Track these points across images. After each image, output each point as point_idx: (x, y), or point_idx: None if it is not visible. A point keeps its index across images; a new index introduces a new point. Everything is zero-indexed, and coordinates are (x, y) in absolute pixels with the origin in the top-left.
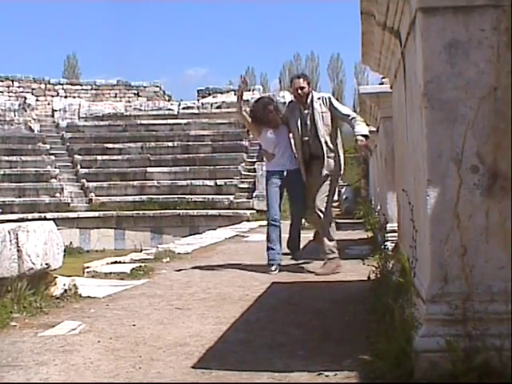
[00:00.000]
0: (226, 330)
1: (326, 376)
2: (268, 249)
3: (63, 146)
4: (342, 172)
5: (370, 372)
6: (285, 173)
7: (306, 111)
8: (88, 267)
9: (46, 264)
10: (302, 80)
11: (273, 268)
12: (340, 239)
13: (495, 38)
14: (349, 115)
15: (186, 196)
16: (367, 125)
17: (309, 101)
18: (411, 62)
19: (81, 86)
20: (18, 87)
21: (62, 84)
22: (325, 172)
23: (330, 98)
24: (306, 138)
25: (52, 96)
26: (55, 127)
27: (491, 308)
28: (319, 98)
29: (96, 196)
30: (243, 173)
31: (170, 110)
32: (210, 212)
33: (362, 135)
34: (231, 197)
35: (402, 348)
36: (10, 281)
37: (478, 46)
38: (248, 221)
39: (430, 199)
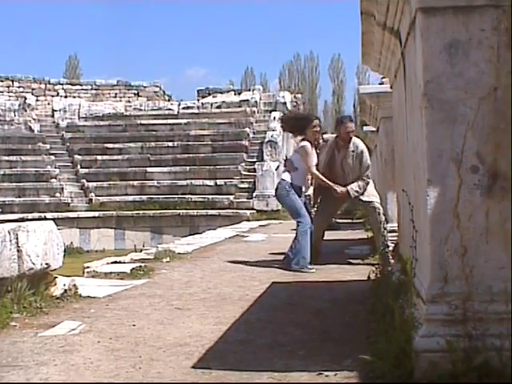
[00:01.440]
0: (226, 330)
1: (326, 376)
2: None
3: (63, 146)
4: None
5: (370, 372)
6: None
7: (342, 152)
8: (88, 267)
9: (46, 264)
10: (353, 125)
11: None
12: (340, 239)
13: (495, 38)
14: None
15: (186, 196)
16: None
17: (350, 145)
18: (411, 62)
19: (81, 85)
20: (18, 87)
21: (62, 84)
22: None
23: (362, 152)
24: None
25: (52, 96)
26: (55, 127)
27: (491, 308)
28: (356, 148)
29: (96, 196)
30: (243, 173)
31: (170, 109)
32: (210, 212)
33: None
34: (231, 197)
35: (402, 348)
36: (9, 281)
37: (478, 46)
38: (248, 221)
39: (429, 199)
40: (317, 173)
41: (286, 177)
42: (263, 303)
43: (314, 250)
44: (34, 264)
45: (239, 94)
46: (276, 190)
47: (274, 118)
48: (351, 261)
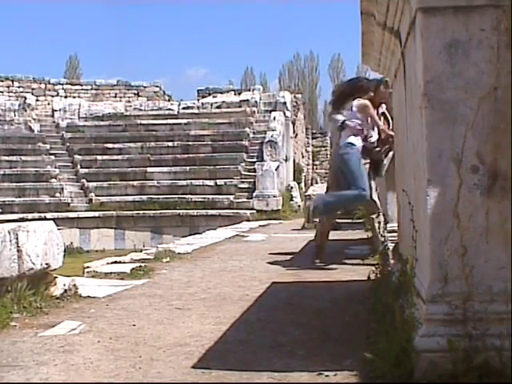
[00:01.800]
0: (225, 330)
1: (326, 376)
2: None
3: (63, 146)
4: None
5: (370, 372)
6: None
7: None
8: (88, 267)
9: (46, 264)
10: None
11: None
12: (340, 239)
13: (495, 38)
14: None
15: (186, 196)
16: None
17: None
18: (411, 62)
19: (81, 85)
20: (18, 87)
21: (62, 84)
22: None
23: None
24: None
25: (52, 96)
26: (55, 127)
27: (491, 308)
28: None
29: (96, 196)
30: (243, 173)
31: (170, 109)
32: (210, 212)
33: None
34: (231, 197)
35: (402, 348)
36: (10, 281)
37: (478, 45)
38: (248, 221)
39: (429, 199)
40: (380, 122)
41: (353, 139)
42: (263, 303)
43: (319, 247)
44: (34, 264)
45: (239, 94)
46: (339, 155)
47: (274, 117)
48: (351, 261)
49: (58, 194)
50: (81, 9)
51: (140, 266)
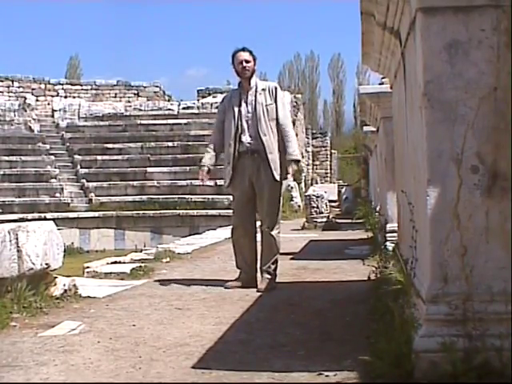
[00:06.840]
0: (225, 330)
1: (326, 376)
2: None
3: (63, 146)
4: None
5: (370, 372)
6: None
7: (248, 99)
8: (88, 267)
9: (46, 264)
10: (248, 54)
11: None
12: (340, 239)
13: (495, 38)
14: (284, 124)
15: (186, 196)
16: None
17: (253, 87)
18: (411, 62)
19: (81, 86)
20: (18, 87)
21: (62, 84)
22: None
23: (276, 88)
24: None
25: (52, 96)
26: (55, 127)
27: (491, 308)
28: (264, 89)
29: (96, 196)
30: None
31: (169, 109)
32: (210, 212)
33: (296, 160)
34: (231, 197)
35: (402, 348)
36: (10, 281)
37: (478, 46)
38: None
39: (429, 199)
40: None
41: None
42: (263, 303)
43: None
44: (33, 264)
45: None
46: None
47: None
48: (351, 261)
49: (57, 194)
50: (81, 9)
51: (140, 266)
